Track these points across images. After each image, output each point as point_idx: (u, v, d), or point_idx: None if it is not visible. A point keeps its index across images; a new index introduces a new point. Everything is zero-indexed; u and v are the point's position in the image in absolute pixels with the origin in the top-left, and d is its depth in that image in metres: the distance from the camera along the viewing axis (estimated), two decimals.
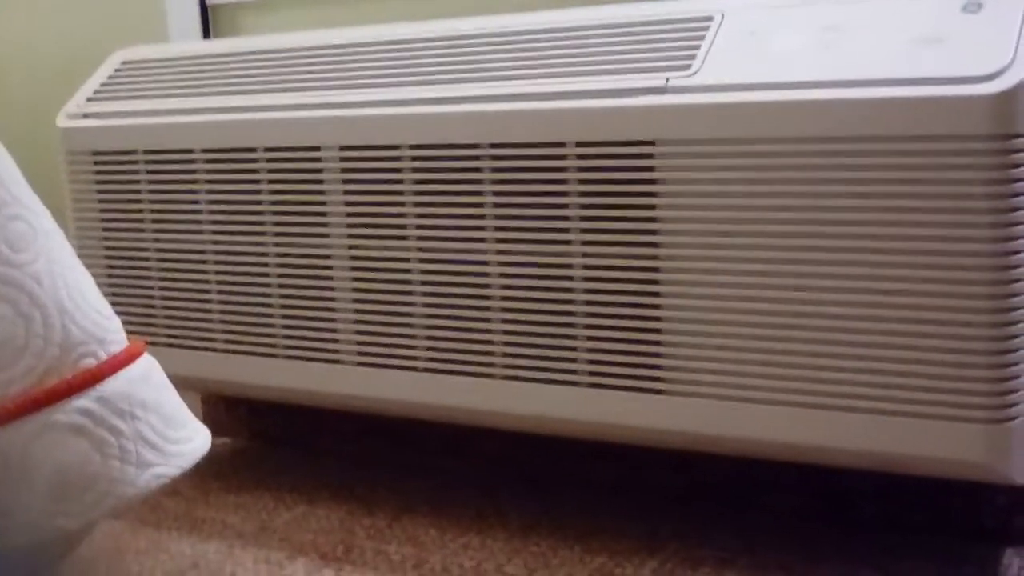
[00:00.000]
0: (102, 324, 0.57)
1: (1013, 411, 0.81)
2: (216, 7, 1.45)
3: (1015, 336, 0.80)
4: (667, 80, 0.89)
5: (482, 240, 0.98)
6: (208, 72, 1.17)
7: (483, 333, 1.00)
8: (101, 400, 0.55)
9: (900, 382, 0.84)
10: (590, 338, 0.95)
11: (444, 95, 0.99)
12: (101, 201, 1.21)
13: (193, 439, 0.62)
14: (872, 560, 0.98)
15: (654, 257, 0.91)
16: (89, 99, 1.23)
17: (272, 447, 1.38)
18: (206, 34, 1.45)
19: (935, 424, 0.83)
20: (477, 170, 0.97)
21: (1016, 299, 0.80)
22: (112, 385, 0.56)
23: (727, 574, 0.97)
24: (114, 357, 0.56)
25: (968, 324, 0.81)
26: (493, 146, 0.96)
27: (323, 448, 1.34)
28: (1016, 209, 0.79)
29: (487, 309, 0.99)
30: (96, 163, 1.20)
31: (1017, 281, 0.79)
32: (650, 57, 0.92)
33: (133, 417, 0.57)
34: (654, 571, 0.99)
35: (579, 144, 0.92)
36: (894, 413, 0.84)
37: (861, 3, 0.88)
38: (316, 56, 1.11)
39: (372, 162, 1.03)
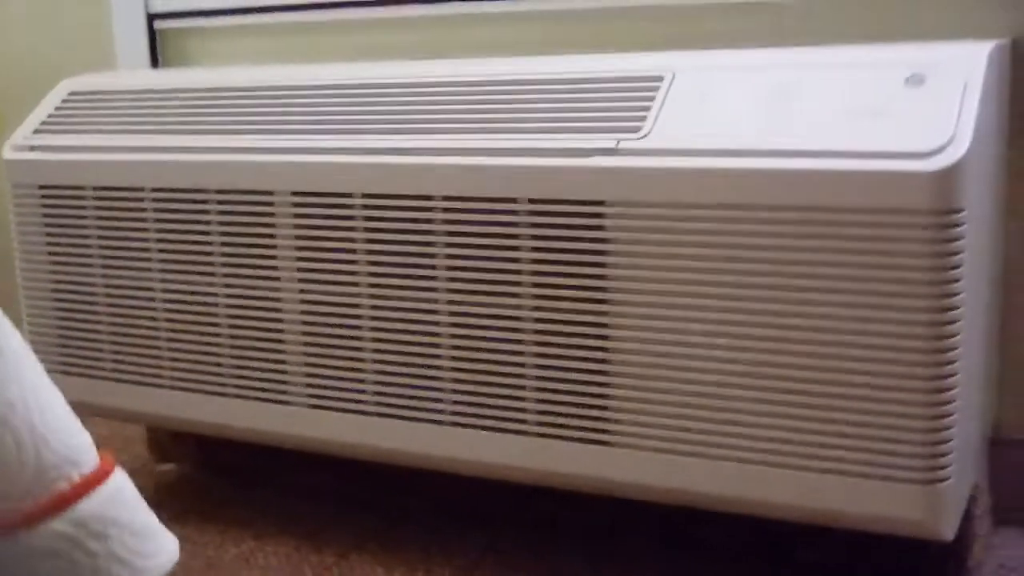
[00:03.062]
0: (74, 445, 0.57)
1: (945, 472, 0.85)
2: (164, 32, 1.44)
3: (948, 403, 0.83)
4: (618, 142, 0.91)
5: (433, 289, 0.99)
6: (159, 108, 1.17)
7: (433, 380, 1.01)
8: (75, 523, 0.56)
9: (840, 443, 0.86)
10: (539, 389, 0.97)
11: (399, 146, 1.00)
12: (48, 234, 1.20)
13: (162, 551, 0.63)
14: None
15: (603, 313, 0.93)
16: (36, 131, 1.22)
17: (218, 475, 1.38)
18: (154, 59, 1.44)
19: (873, 484, 0.86)
20: (429, 221, 0.98)
21: (950, 367, 0.83)
22: (86, 506, 0.57)
23: None
24: (86, 479, 0.57)
25: (905, 390, 0.84)
26: (446, 199, 0.97)
27: (270, 478, 1.34)
28: (953, 281, 0.81)
29: (437, 357, 1.01)
30: (43, 196, 1.19)
31: (952, 350, 0.82)
32: (602, 116, 0.94)
33: (106, 537, 0.58)
34: None
35: (531, 200, 0.94)
36: (834, 472, 0.87)
37: (809, 70, 0.90)
38: (270, 97, 1.11)
39: (324, 208, 1.03)
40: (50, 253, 1.20)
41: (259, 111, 1.10)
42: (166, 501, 1.31)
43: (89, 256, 1.18)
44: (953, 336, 0.82)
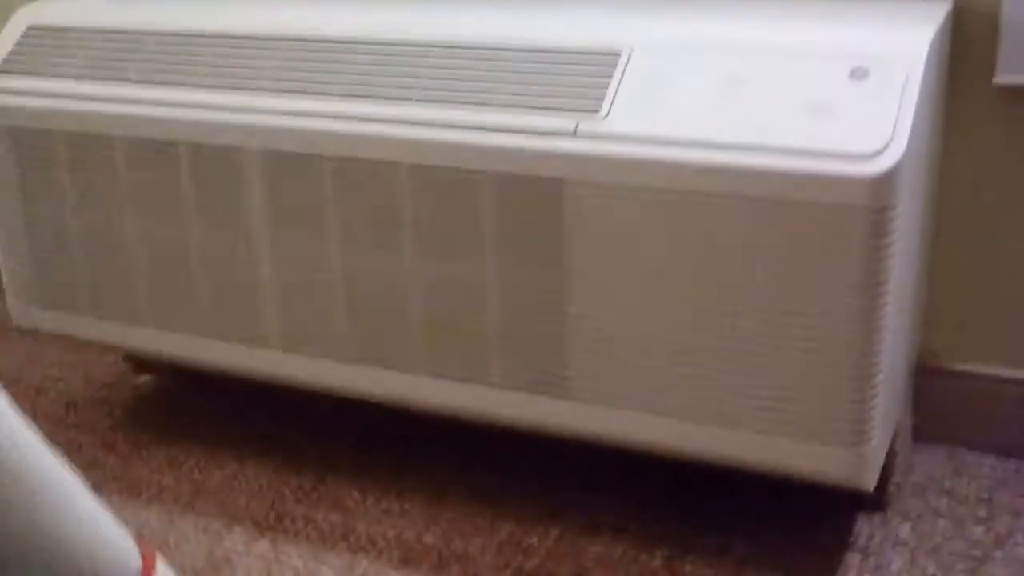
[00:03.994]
0: (122, 549, 0.63)
1: (867, 437, 0.94)
2: None
3: (873, 378, 0.92)
4: (577, 125, 0.95)
5: (402, 251, 1.05)
6: (126, 53, 1.17)
7: (404, 334, 1.08)
8: None
9: (779, 408, 0.95)
10: (503, 347, 1.04)
11: (369, 113, 1.03)
12: (19, 172, 1.22)
13: None
14: (746, 523, 1.12)
15: (561, 281, 0.99)
16: (0, 70, 1.22)
17: (195, 387, 1.45)
18: None
19: (805, 445, 0.95)
20: (396, 186, 1.03)
21: (876, 350, 0.91)
22: None
23: (623, 539, 1.10)
24: None
25: (835, 366, 0.92)
26: (413, 168, 1.01)
27: (246, 391, 1.41)
28: (881, 273, 0.88)
29: (408, 314, 1.07)
30: (13, 137, 1.21)
31: (880, 331, 0.90)
32: (562, 93, 0.97)
33: None
34: (557, 539, 1.12)
35: (496, 173, 0.98)
36: (772, 433, 0.96)
37: (760, 57, 0.94)
38: (239, 46, 1.13)
39: (294, 169, 1.07)
40: (23, 191, 1.23)
41: (226, 62, 1.12)
42: (149, 415, 1.38)
43: (63, 195, 1.21)
44: (879, 326, 0.90)
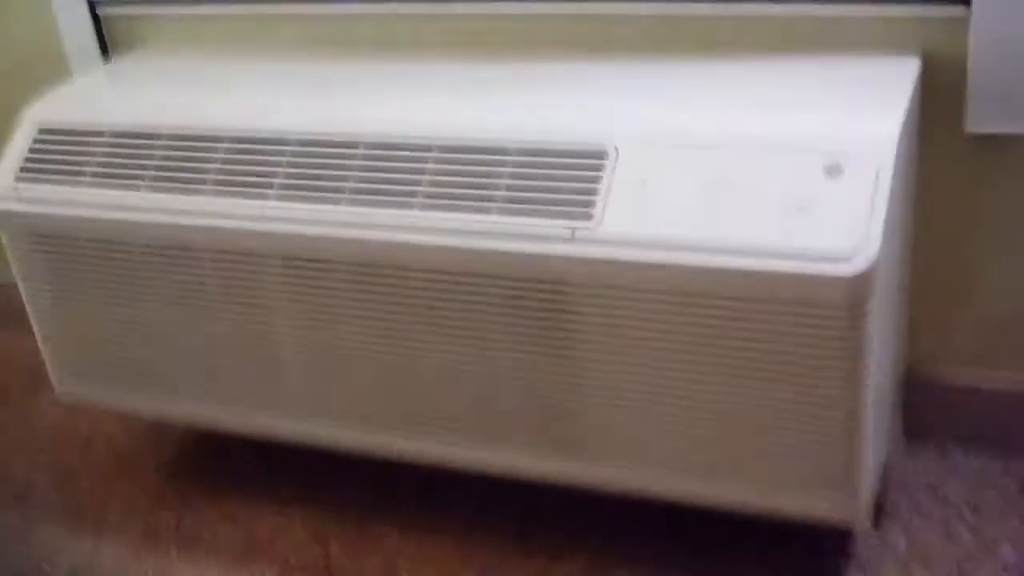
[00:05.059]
0: None
1: (857, 485, 1.03)
2: (109, 18, 1.46)
3: (859, 435, 1.01)
4: (573, 232, 1.02)
5: (419, 342, 1.13)
6: (137, 157, 1.23)
7: (427, 408, 1.17)
8: None
9: (777, 464, 1.05)
10: (522, 419, 1.13)
11: (379, 221, 1.10)
12: (48, 268, 1.29)
13: None
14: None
15: (572, 367, 1.08)
16: (18, 178, 1.28)
17: (232, 435, 1.55)
18: (103, 46, 1.47)
19: (803, 495, 1.05)
20: (410, 290, 1.10)
21: (862, 416, 1.00)
22: None
23: (642, 567, 1.21)
24: None
25: (825, 430, 1.01)
26: (422, 271, 1.09)
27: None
28: (861, 353, 0.97)
29: (427, 390, 1.16)
30: (37, 240, 1.28)
31: (863, 406, 0.99)
32: (556, 196, 1.04)
33: None
34: (583, 570, 1.23)
35: (499, 277, 1.06)
36: (774, 485, 1.06)
37: (739, 152, 1.00)
38: (248, 149, 1.18)
39: (311, 272, 1.14)
40: (53, 282, 1.30)
41: (238, 167, 1.18)
42: (193, 466, 1.48)
43: (90, 288, 1.28)
44: (860, 395, 0.98)
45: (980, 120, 1.12)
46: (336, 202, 1.13)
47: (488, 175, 1.08)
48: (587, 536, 1.28)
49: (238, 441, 1.51)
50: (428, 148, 1.11)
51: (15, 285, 1.34)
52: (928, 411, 1.30)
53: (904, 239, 1.16)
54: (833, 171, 0.97)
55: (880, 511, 1.23)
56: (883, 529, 1.22)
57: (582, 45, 1.27)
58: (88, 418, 1.62)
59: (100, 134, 1.27)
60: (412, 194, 1.10)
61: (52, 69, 1.55)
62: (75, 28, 1.46)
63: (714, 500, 1.10)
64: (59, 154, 1.28)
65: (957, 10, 1.09)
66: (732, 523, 1.26)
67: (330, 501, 1.39)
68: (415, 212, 1.09)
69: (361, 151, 1.14)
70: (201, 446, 1.53)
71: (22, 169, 1.29)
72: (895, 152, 0.97)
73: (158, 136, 1.24)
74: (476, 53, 1.31)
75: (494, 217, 1.06)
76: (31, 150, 1.30)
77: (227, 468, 1.47)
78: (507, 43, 1.30)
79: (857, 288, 0.94)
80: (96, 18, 1.46)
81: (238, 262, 1.18)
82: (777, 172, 0.99)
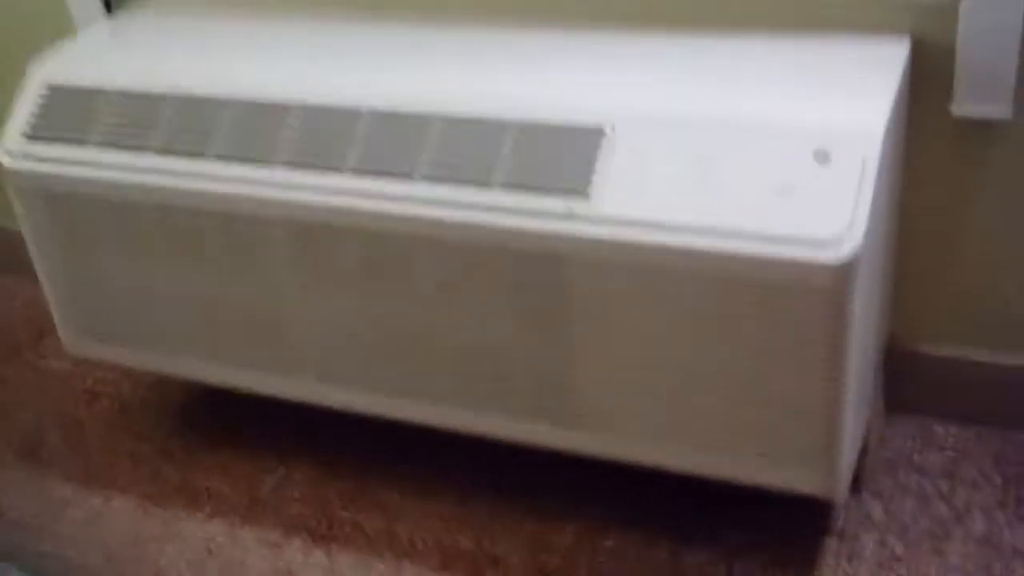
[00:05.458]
0: None
1: (836, 459, 1.08)
2: None
3: (839, 412, 1.05)
4: (571, 210, 1.06)
5: (425, 307, 1.17)
6: (146, 119, 1.25)
7: (430, 373, 1.21)
8: None
9: (761, 437, 1.09)
10: (521, 386, 1.17)
11: (384, 191, 1.13)
12: (57, 227, 1.33)
13: None
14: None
15: (569, 334, 1.12)
16: (27, 136, 1.31)
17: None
18: (106, 1, 1.48)
19: (785, 466, 1.10)
20: (416, 258, 1.14)
21: (844, 396, 1.04)
22: None
23: (631, 534, 1.26)
24: None
25: (808, 406, 1.05)
26: (426, 240, 1.12)
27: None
28: (844, 335, 1.01)
29: (433, 354, 1.20)
30: (46, 200, 1.31)
31: (845, 387, 1.03)
32: (553, 172, 1.07)
33: None
34: (575, 536, 1.28)
35: (498, 247, 1.10)
36: (759, 457, 1.10)
37: (730, 135, 1.03)
38: (254, 116, 1.21)
39: (318, 238, 1.18)
40: (62, 241, 1.34)
41: (245, 133, 1.21)
42: (197, 421, 1.52)
43: (98, 247, 1.31)
44: (844, 373, 1.02)
45: (967, 104, 1.15)
46: (340, 171, 1.16)
47: (489, 149, 1.11)
48: (579, 502, 1.32)
49: (241, 396, 1.55)
50: (431, 120, 1.14)
51: (19, 232, 1.37)
52: (908, 383, 1.34)
53: (890, 219, 1.19)
54: (822, 157, 1.01)
55: (859, 479, 1.28)
56: (861, 497, 1.27)
57: (583, 14, 1.29)
58: (94, 369, 1.66)
59: (107, 94, 1.29)
60: (415, 165, 1.13)
61: (56, 25, 1.57)
62: None
63: (700, 470, 1.15)
64: (67, 113, 1.31)
65: None
66: (714, 489, 1.31)
67: (330, 459, 1.43)
68: (418, 184, 1.12)
69: (364, 121, 1.17)
70: (204, 400, 1.57)
71: (30, 127, 1.32)
72: (882, 141, 1.00)
73: (165, 99, 1.26)
74: (480, 18, 1.33)
75: (495, 192, 1.09)
76: (39, 108, 1.32)
77: (230, 423, 1.52)
78: (511, 9, 1.32)
79: (842, 274, 0.98)
80: None
81: (243, 227, 1.21)
82: (767, 156, 1.02)
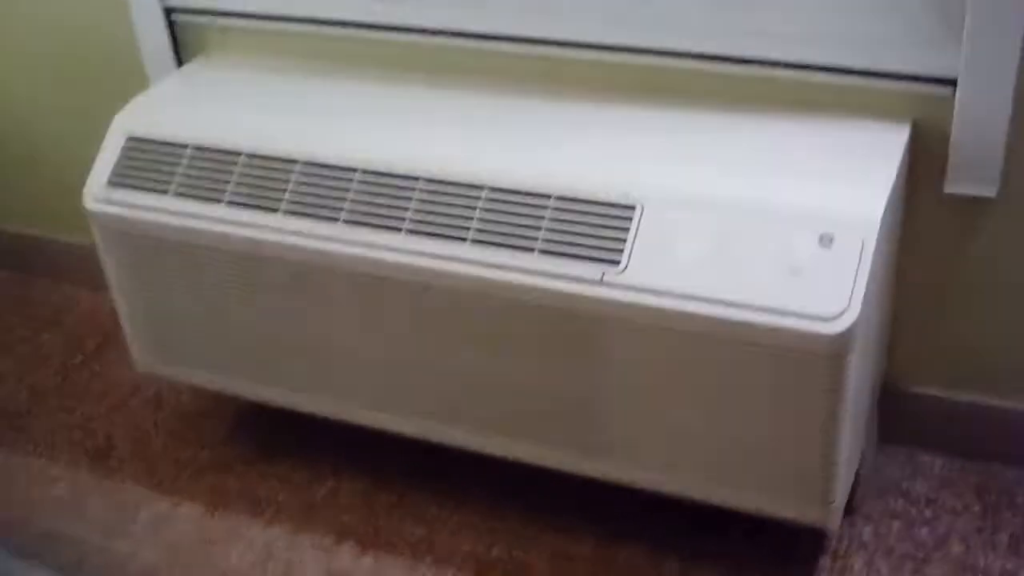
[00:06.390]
0: None
1: (831, 495, 1.23)
2: (181, 24, 1.61)
3: (835, 458, 1.20)
4: (603, 275, 1.20)
5: (471, 352, 1.32)
6: (219, 173, 1.40)
7: (475, 407, 1.36)
8: None
9: (765, 474, 1.24)
10: (557, 421, 1.32)
11: (435, 251, 1.28)
12: (134, 263, 1.47)
13: None
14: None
15: (599, 379, 1.26)
16: (110, 182, 1.45)
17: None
18: (176, 51, 1.62)
19: (785, 500, 1.25)
20: (462, 311, 1.29)
21: (839, 441, 1.19)
22: None
23: (643, 548, 1.42)
24: None
25: (807, 452, 1.20)
26: (473, 296, 1.27)
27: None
28: (841, 393, 1.15)
29: (478, 392, 1.35)
30: (125, 240, 1.45)
31: (840, 434, 1.18)
32: (589, 242, 1.22)
33: None
34: (593, 548, 1.43)
35: (540, 307, 1.24)
36: (762, 491, 1.26)
37: (747, 217, 1.17)
38: (320, 176, 1.35)
39: (375, 291, 1.32)
40: (137, 273, 1.48)
41: (311, 191, 1.35)
42: (254, 431, 1.68)
43: (172, 282, 1.46)
44: (838, 427, 1.17)
45: (958, 183, 1.29)
46: (396, 231, 1.30)
47: (531, 217, 1.25)
48: (598, 518, 1.48)
49: (293, 410, 1.71)
50: (480, 188, 1.28)
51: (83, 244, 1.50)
52: (900, 418, 1.49)
53: (886, 281, 1.33)
54: (826, 241, 1.15)
55: (852, 503, 1.43)
56: (853, 521, 1.43)
57: (613, 87, 1.43)
58: (156, 379, 1.81)
59: (184, 147, 1.43)
60: (464, 229, 1.28)
61: (128, 73, 1.71)
62: (151, 34, 1.61)
63: (710, 498, 1.30)
64: (146, 163, 1.45)
65: (945, 90, 1.25)
66: (720, 513, 1.46)
67: (377, 473, 1.59)
68: (466, 247, 1.27)
69: (420, 185, 1.31)
70: (260, 413, 1.72)
71: (113, 175, 1.46)
72: (879, 227, 1.15)
73: (237, 154, 1.40)
74: (532, 89, 1.45)
75: (535, 256, 1.24)
76: (121, 157, 1.46)
77: (284, 435, 1.67)
78: (558, 82, 1.46)
79: (840, 344, 1.12)
80: (171, 24, 1.61)
81: (306, 274, 1.36)
82: (779, 238, 1.16)
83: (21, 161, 1.94)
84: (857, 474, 1.40)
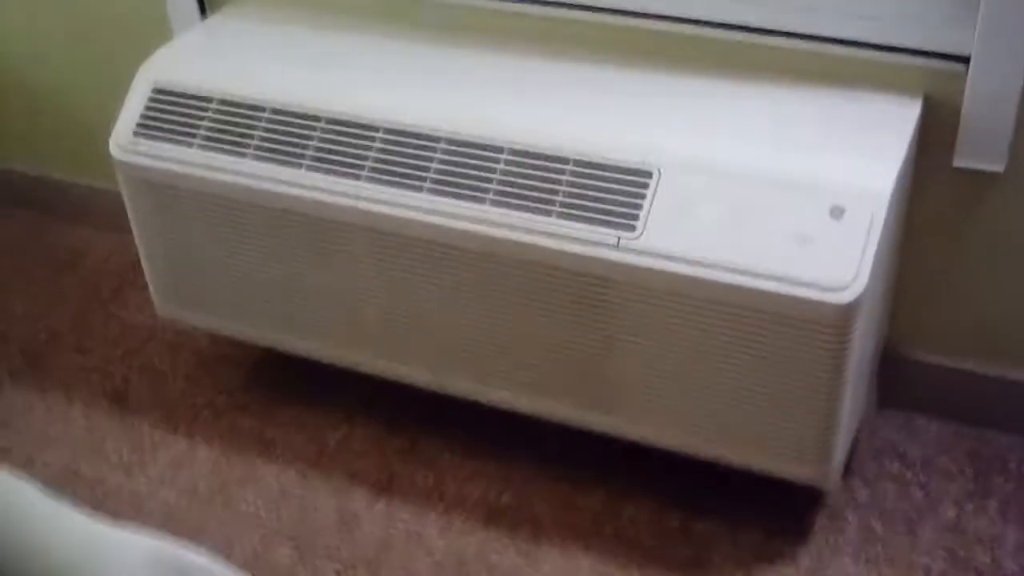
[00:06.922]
0: None
1: (831, 456, 1.28)
2: None
3: (836, 421, 1.25)
4: (619, 240, 1.24)
5: (486, 307, 1.36)
6: (245, 127, 1.42)
7: (487, 359, 1.41)
8: None
9: (771, 434, 1.29)
10: (569, 377, 1.37)
11: (455, 211, 1.31)
12: (157, 210, 1.51)
13: None
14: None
15: (609, 337, 1.31)
16: (136, 132, 1.48)
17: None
18: (201, 2, 1.64)
19: (786, 459, 1.30)
20: (483, 269, 1.32)
21: (841, 406, 1.23)
22: None
23: (647, 502, 1.47)
24: None
25: (810, 412, 1.25)
26: (494, 256, 1.30)
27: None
28: (845, 359, 1.20)
29: (490, 344, 1.39)
30: (149, 187, 1.49)
31: (843, 399, 1.23)
32: (607, 206, 1.25)
33: None
34: (601, 501, 1.48)
35: (555, 268, 1.28)
36: (766, 450, 1.30)
37: (760, 188, 1.21)
38: (344, 133, 1.38)
39: (393, 245, 1.36)
40: (161, 221, 1.52)
41: (334, 147, 1.38)
42: (271, 376, 1.72)
43: (194, 229, 1.50)
44: (840, 391, 1.22)
45: (966, 157, 1.32)
46: (418, 189, 1.34)
47: (550, 180, 1.29)
48: (606, 472, 1.53)
49: (309, 358, 1.75)
50: (500, 149, 1.32)
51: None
52: (899, 383, 1.54)
53: (892, 254, 1.37)
54: (837, 212, 1.18)
55: (850, 464, 1.48)
56: (849, 481, 1.48)
57: (632, 51, 1.45)
58: (173, 323, 1.85)
59: (209, 100, 1.46)
60: (484, 190, 1.31)
61: (153, 24, 1.72)
62: None
63: (715, 456, 1.35)
64: (172, 115, 1.48)
65: (958, 67, 1.28)
66: (722, 471, 1.51)
67: (390, 420, 1.63)
68: (486, 207, 1.30)
69: (442, 145, 1.34)
70: (276, 358, 1.76)
71: (139, 125, 1.49)
72: (889, 199, 1.18)
73: (262, 109, 1.43)
74: (556, 53, 1.48)
75: (553, 219, 1.27)
76: (147, 108, 1.49)
77: (299, 381, 1.72)
78: (579, 44, 1.48)
79: (846, 314, 1.16)
80: None
81: (328, 228, 1.40)
82: (789, 207, 1.20)
83: (46, 107, 1.96)
84: (855, 436, 1.45)
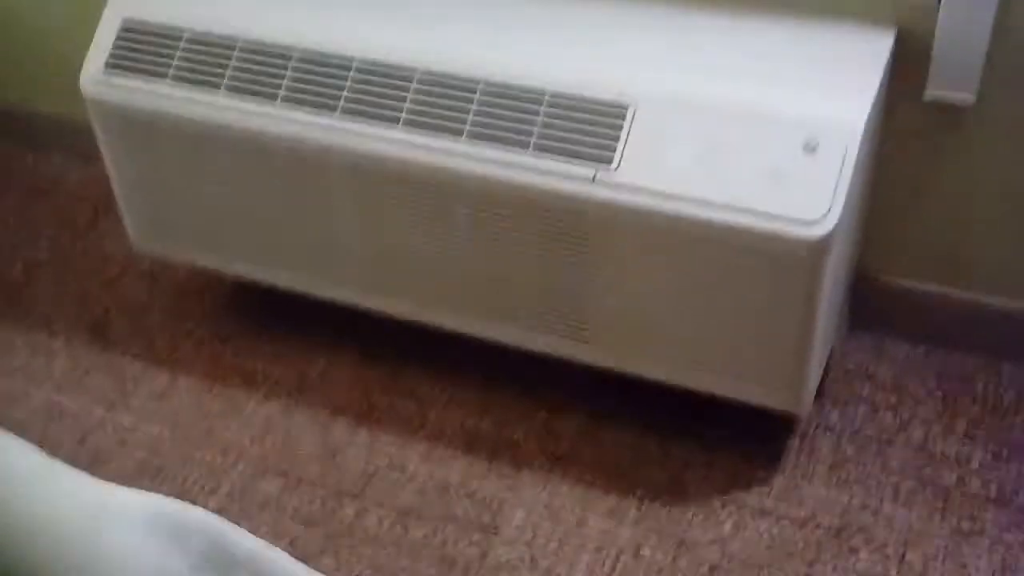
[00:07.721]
0: None
1: (802, 384, 1.31)
2: None
3: (808, 349, 1.28)
4: (595, 174, 1.24)
5: (462, 239, 1.37)
6: (217, 61, 1.41)
7: (463, 289, 1.42)
8: None
9: (744, 361, 1.32)
10: (544, 308, 1.38)
11: (430, 145, 1.31)
12: (131, 144, 1.50)
13: None
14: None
15: (584, 269, 1.32)
16: (106, 68, 1.46)
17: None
18: None
19: (759, 386, 1.33)
20: (456, 204, 1.33)
21: (813, 337, 1.26)
22: None
23: (628, 427, 1.50)
24: None
25: (782, 341, 1.27)
26: (470, 190, 1.31)
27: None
28: (817, 292, 1.22)
29: (466, 275, 1.41)
30: (123, 122, 1.48)
31: (814, 330, 1.25)
32: (583, 141, 1.25)
33: None
34: (579, 427, 1.52)
35: (530, 202, 1.29)
36: (739, 377, 1.33)
37: (734, 122, 1.21)
38: (318, 67, 1.37)
39: (370, 180, 1.36)
40: (134, 155, 1.51)
41: (309, 83, 1.37)
42: (249, 306, 1.73)
43: (167, 163, 1.49)
44: (812, 323, 1.24)
45: (938, 89, 1.33)
46: (393, 124, 1.33)
47: (526, 115, 1.29)
48: (584, 397, 1.56)
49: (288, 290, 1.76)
50: (476, 82, 1.31)
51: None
52: (870, 306, 1.57)
53: (864, 185, 1.38)
54: (810, 148, 1.19)
55: (822, 388, 1.52)
56: (821, 404, 1.51)
57: None
58: (153, 258, 1.85)
59: (180, 36, 1.44)
60: (460, 123, 1.31)
61: None
62: None
63: (689, 383, 1.38)
64: (142, 51, 1.46)
65: None
66: (698, 397, 1.54)
67: (370, 350, 1.65)
68: (462, 141, 1.30)
69: (417, 77, 1.34)
70: (255, 290, 1.77)
71: (109, 61, 1.47)
72: (862, 134, 1.19)
73: (233, 45, 1.42)
74: None
75: (530, 154, 1.28)
76: (116, 44, 1.47)
77: (279, 311, 1.73)
78: None
79: (819, 248, 1.18)
80: None
81: (303, 163, 1.39)
82: (762, 141, 1.21)
83: (16, 37, 1.93)
84: (827, 361, 1.48)
